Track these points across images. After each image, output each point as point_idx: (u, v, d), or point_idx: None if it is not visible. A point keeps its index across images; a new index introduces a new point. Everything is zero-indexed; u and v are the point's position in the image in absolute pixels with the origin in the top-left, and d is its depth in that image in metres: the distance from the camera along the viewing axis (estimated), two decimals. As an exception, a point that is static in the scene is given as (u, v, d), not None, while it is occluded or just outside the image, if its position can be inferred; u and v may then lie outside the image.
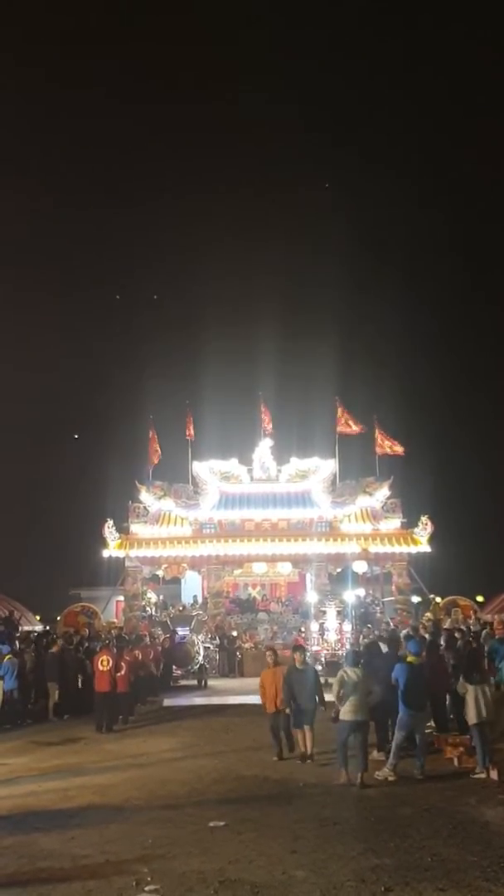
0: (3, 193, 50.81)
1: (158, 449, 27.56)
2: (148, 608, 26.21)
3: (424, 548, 25.44)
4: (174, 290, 62.46)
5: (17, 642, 17.78)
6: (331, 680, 11.04)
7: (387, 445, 27.44)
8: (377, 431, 27.84)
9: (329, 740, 10.80)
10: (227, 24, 57.70)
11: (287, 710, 11.27)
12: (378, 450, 27.55)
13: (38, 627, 25.66)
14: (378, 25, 58.82)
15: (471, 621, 21.93)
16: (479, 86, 59.50)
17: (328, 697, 10.81)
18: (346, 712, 9.89)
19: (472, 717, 10.26)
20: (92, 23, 56.37)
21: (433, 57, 59.21)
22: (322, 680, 11.85)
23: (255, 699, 10.65)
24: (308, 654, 20.80)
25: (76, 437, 46.36)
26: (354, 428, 27.68)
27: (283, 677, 11.38)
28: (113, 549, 25.24)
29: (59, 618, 25.53)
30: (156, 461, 27.52)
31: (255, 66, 60.23)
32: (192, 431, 28.13)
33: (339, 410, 27.87)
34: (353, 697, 9.87)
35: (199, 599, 26.81)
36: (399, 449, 27.59)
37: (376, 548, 25.26)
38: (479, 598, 27.05)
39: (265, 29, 57.93)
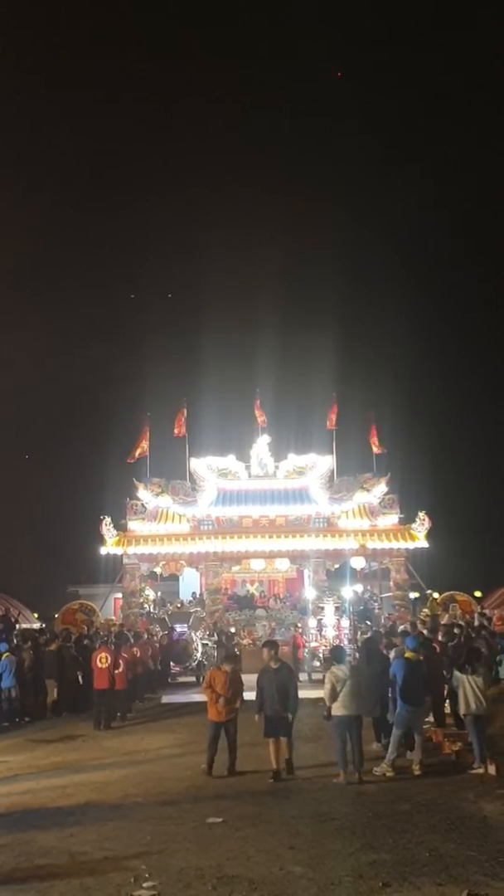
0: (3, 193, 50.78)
1: (144, 447, 27.42)
2: (146, 605, 26.22)
3: (422, 543, 25.49)
4: (173, 289, 62.49)
5: (14, 640, 17.76)
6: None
7: (374, 443, 27.63)
8: (373, 428, 27.92)
9: (318, 737, 10.77)
10: (224, 20, 57.61)
11: (256, 718, 10.23)
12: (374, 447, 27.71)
13: (36, 625, 25.68)
14: (377, 25, 58.75)
15: (472, 616, 21.99)
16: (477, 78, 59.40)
17: (315, 694, 10.67)
18: (338, 707, 9.86)
19: (462, 708, 10.31)
20: (90, 21, 56.25)
21: (432, 51, 59.09)
22: (319, 677, 11.71)
23: (253, 696, 10.59)
24: (306, 649, 21.21)
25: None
26: (331, 425, 27.86)
27: (234, 680, 10.59)
28: (111, 546, 25.26)
29: (56, 615, 25.54)
30: (136, 456, 27.35)
31: (253, 64, 60.18)
32: (183, 428, 28.03)
33: (333, 407, 28.00)
34: (344, 693, 9.84)
35: (197, 596, 26.82)
36: (377, 449, 27.71)
37: (374, 544, 25.30)
38: (477, 594, 27.11)
39: (262, 23, 57.91)
